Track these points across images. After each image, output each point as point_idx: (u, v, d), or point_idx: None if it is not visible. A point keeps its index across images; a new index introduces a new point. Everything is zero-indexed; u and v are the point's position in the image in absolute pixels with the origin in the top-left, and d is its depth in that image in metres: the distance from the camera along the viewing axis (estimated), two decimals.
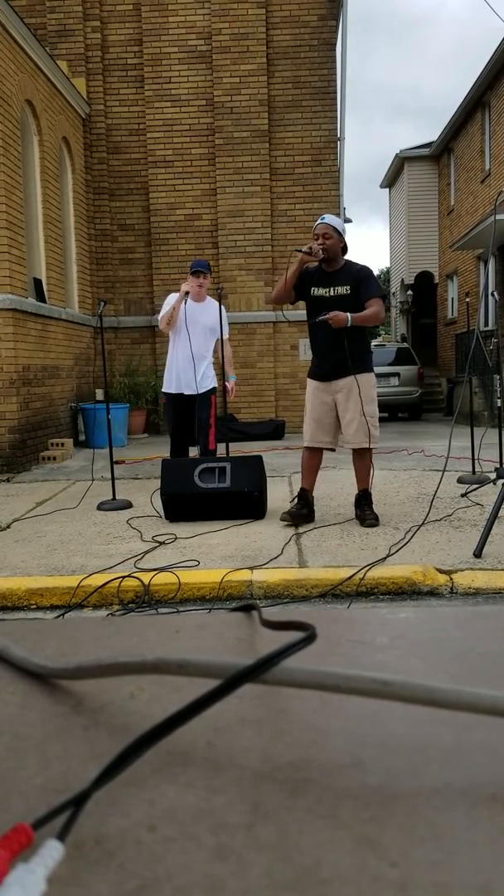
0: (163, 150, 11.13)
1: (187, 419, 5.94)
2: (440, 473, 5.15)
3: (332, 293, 4.56)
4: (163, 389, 6.03)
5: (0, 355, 7.69)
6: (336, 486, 5.88)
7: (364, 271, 4.65)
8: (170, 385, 5.90)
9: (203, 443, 5.89)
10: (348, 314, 4.40)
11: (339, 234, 4.55)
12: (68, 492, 6.44)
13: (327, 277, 4.57)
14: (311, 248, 4.46)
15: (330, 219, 4.58)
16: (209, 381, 5.86)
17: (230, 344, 6.03)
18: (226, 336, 5.93)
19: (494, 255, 14.23)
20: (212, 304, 5.90)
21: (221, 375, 5.85)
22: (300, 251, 4.50)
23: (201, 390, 5.79)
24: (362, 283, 4.56)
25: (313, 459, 4.78)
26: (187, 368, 5.74)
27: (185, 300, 5.65)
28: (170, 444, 6.07)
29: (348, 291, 4.51)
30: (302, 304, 4.75)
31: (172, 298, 5.80)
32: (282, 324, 10.88)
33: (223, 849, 0.30)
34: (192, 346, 5.68)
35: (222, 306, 5.88)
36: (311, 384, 4.74)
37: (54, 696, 0.46)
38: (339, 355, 4.50)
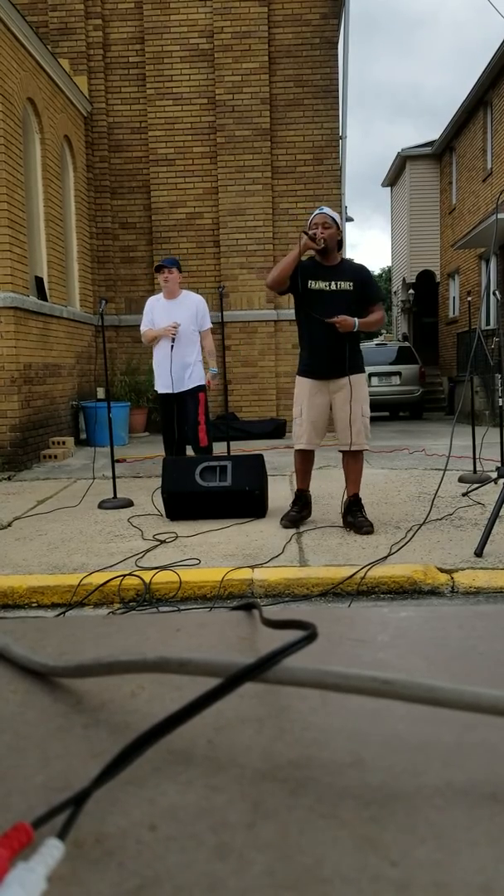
0: (164, 148, 11.13)
1: (177, 417, 5.96)
2: (441, 472, 5.14)
3: (333, 287, 4.38)
4: (154, 388, 6.10)
5: (1, 353, 7.69)
6: (338, 484, 5.86)
7: (365, 271, 4.58)
8: (158, 384, 5.96)
9: (194, 440, 5.89)
10: (356, 319, 4.29)
11: (337, 226, 4.41)
12: (69, 490, 6.44)
13: (326, 271, 4.40)
14: (315, 234, 4.28)
15: (328, 210, 4.45)
16: (196, 379, 5.87)
17: (212, 336, 6.06)
18: (207, 327, 5.95)
19: (496, 254, 14.21)
20: (188, 297, 5.92)
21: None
22: (307, 233, 4.30)
23: (187, 387, 5.82)
24: (366, 283, 4.48)
25: (308, 462, 4.65)
26: (171, 367, 5.77)
27: (162, 299, 5.84)
28: (164, 445, 6.11)
29: (351, 287, 4.39)
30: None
31: (151, 303, 5.93)
32: (283, 322, 10.88)
33: (224, 848, 0.30)
34: (174, 344, 5.72)
35: (200, 297, 5.97)
36: (304, 383, 4.51)
37: (55, 694, 0.46)
38: (338, 354, 4.37)
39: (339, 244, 4.50)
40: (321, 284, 4.38)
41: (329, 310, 4.33)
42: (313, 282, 4.39)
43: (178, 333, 5.74)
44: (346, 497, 4.66)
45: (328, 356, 4.40)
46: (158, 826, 0.32)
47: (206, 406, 5.96)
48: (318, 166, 11.13)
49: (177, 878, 0.29)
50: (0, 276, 7.65)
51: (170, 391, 5.84)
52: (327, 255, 4.41)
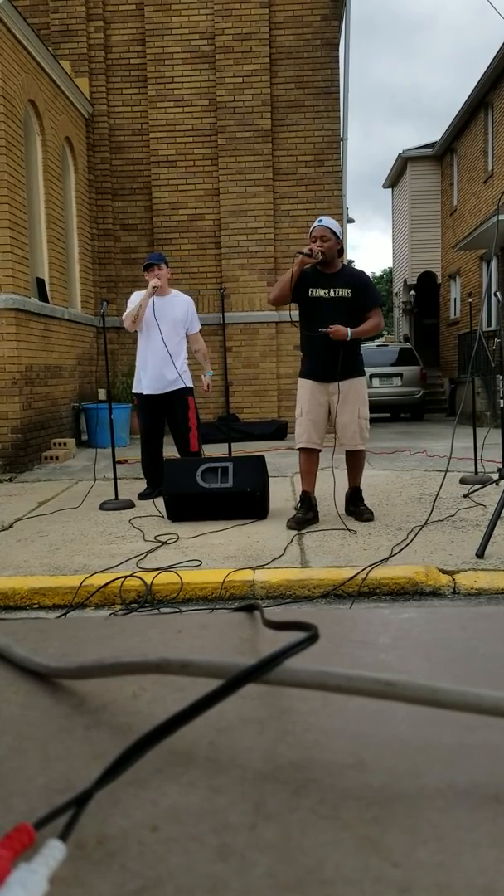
0: (165, 150, 11.14)
1: (161, 421, 5.76)
2: (443, 474, 5.14)
3: (332, 294, 4.57)
4: (133, 390, 5.78)
5: (3, 355, 7.70)
6: (339, 484, 5.86)
7: (364, 277, 4.80)
8: (140, 385, 5.67)
9: (184, 446, 5.70)
10: (349, 329, 4.47)
11: (336, 237, 4.59)
12: (71, 491, 6.44)
13: (326, 279, 4.59)
14: (311, 250, 4.48)
15: (327, 221, 4.62)
16: (184, 380, 5.61)
17: (202, 338, 5.85)
18: (197, 329, 5.76)
19: (497, 256, 14.21)
20: (177, 296, 5.72)
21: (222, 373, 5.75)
22: (301, 253, 4.49)
23: (174, 388, 5.60)
24: (364, 289, 4.66)
25: (311, 462, 4.77)
26: (160, 367, 5.55)
27: (153, 298, 5.49)
28: (141, 448, 5.84)
29: (349, 294, 4.58)
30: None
31: (136, 297, 5.62)
32: (284, 324, 10.88)
33: (225, 849, 0.30)
34: (166, 343, 5.49)
35: (189, 298, 5.80)
36: (305, 384, 4.71)
37: (56, 695, 0.46)
38: (336, 358, 4.56)
39: (340, 251, 4.68)
40: (321, 292, 4.59)
41: (329, 315, 4.54)
42: (313, 289, 4.59)
43: (169, 333, 5.52)
44: (348, 489, 4.96)
45: (326, 360, 4.60)
46: (160, 827, 0.32)
47: (196, 410, 5.78)
48: (319, 168, 11.13)
49: (179, 880, 0.29)
50: (1, 277, 7.66)
51: (155, 392, 5.61)
52: (328, 264, 4.59)
